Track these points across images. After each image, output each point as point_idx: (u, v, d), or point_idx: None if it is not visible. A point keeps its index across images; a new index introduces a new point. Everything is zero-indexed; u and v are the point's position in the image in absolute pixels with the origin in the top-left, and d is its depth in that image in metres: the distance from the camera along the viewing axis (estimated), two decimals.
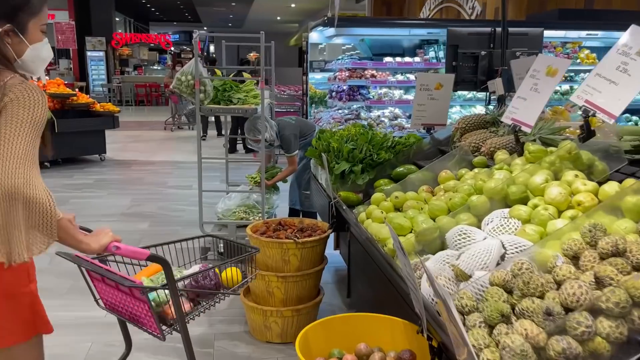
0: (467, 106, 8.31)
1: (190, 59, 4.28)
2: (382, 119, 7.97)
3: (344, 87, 8.15)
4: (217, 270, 2.23)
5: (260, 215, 4.47)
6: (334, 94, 8.54)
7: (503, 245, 1.83)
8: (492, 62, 3.56)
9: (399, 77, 8.22)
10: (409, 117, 8.24)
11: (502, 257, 1.83)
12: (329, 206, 3.44)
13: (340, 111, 8.32)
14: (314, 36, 8.80)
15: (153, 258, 1.80)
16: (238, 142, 10.39)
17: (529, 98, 2.52)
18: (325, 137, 3.51)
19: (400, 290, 1.99)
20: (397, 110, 8.16)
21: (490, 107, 3.62)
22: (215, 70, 6.17)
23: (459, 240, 1.95)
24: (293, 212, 5.03)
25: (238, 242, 2.47)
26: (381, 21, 8.58)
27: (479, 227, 2.18)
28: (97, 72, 21.12)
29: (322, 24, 7.96)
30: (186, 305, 2.09)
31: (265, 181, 4.42)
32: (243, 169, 6.77)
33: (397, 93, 8.22)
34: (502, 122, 3.27)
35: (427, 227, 2.18)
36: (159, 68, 24.02)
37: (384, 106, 8.18)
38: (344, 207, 3.07)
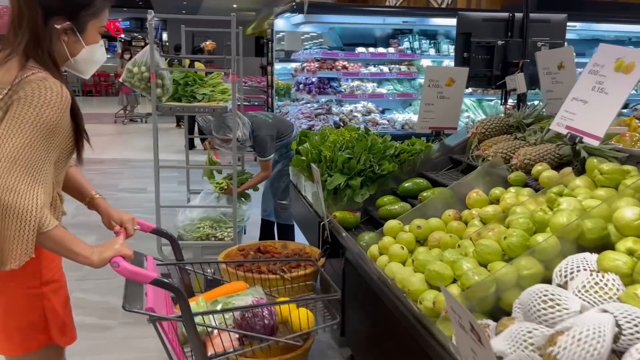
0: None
1: (143, 47, 3.55)
2: (355, 114, 7.38)
3: (314, 79, 7.51)
4: (277, 308, 1.71)
5: (230, 230, 3.80)
6: (301, 86, 7.89)
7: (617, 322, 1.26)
8: (507, 54, 3.02)
9: (372, 69, 7.64)
10: (383, 112, 7.70)
11: (615, 339, 1.26)
12: (319, 227, 2.82)
13: (309, 105, 7.68)
14: (280, 23, 8.11)
15: (159, 283, 1.49)
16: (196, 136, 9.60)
17: (592, 101, 1.97)
18: (314, 144, 2.88)
19: None
20: (370, 105, 7.59)
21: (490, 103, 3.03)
22: (186, 60, 5.43)
23: (544, 309, 1.36)
24: (266, 225, 4.38)
25: None
26: (355, 8, 7.96)
27: (548, 278, 1.62)
28: None
29: (289, 10, 7.28)
30: (228, 342, 1.71)
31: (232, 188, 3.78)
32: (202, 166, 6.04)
33: (370, 86, 7.64)
34: (528, 126, 2.72)
35: (481, 281, 1.59)
36: (108, 56, 22.63)
37: (356, 100, 7.59)
38: (344, 234, 2.45)
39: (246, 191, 4.12)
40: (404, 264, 2.01)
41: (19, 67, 1.47)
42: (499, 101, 7.85)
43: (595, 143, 1.93)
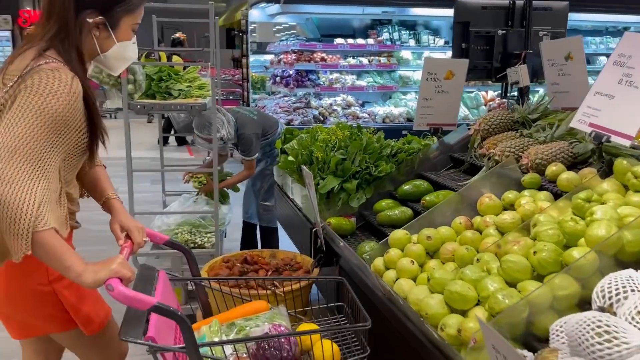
0: None
1: None
2: (335, 107, 7.16)
3: (291, 72, 7.26)
4: (298, 339, 1.50)
5: (210, 235, 3.55)
6: (278, 79, 7.62)
7: None
8: (507, 44, 2.82)
9: (351, 60, 7.43)
10: (363, 105, 7.50)
11: None
12: (310, 234, 2.59)
13: (286, 99, 7.43)
14: (255, 14, 7.82)
15: (160, 311, 1.29)
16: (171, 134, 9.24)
17: (620, 96, 1.78)
18: (304, 144, 2.64)
19: None
20: (350, 98, 7.39)
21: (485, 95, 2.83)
22: (161, 54, 5.08)
23: (599, 344, 1.16)
24: (248, 227, 4.13)
25: None
26: None
27: (585, 298, 1.43)
28: (2, 53, 18.98)
29: (265, 0, 7.00)
30: None
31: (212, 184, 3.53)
32: (179, 167, 5.75)
33: (350, 79, 7.43)
34: (534, 122, 2.54)
35: (512, 306, 1.39)
36: None
37: (336, 93, 7.37)
38: (341, 244, 2.23)
39: (225, 191, 3.86)
40: (414, 279, 1.80)
41: (33, 56, 1.42)
42: (479, 93, 7.74)
43: (626, 143, 1.74)
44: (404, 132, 7.27)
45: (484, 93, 7.72)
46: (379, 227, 2.42)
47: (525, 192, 2.04)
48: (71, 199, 1.60)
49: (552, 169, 2.11)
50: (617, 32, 8.27)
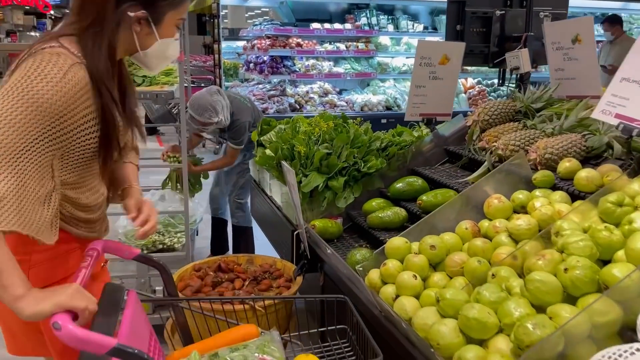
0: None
1: None
2: (311, 95, 6.88)
3: (265, 58, 6.93)
4: None
5: (180, 235, 3.24)
6: (251, 65, 7.28)
7: None
8: (505, 26, 2.58)
9: (328, 46, 7.13)
10: (340, 92, 7.23)
11: None
12: (292, 238, 2.33)
13: (260, 86, 7.11)
14: None
15: (121, 355, 1.04)
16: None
17: None
18: (285, 137, 2.36)
19: None
20: (326, 85, 7.11)
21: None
22: None
23: None
24: (219, 223, 3.82)
25: None
26: None
27: (629, 325, 1.20)
28: None
29: None
30: None
31: (191, 166, 3.25)
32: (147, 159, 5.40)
33: (326, 65, 7.14)
34: (538, 112, 2.31)
35: (547, 338, 1.14)
36: (36, 35, 21.09)
37: (312, 80, 7.07)
38: (328, 251, 1.97)
39: (199, 177, 3.54)
40: (417, 296, 1.55)
41: (46, 40, 1.27)
42: (458, 80, 7.53)
43: None
44: (383, 120, 7.08)
45: (463, 80, 7.52)
46: (369, 230, 2.16)
47: (537, 192, 1.81)
48: (77, 204, 1.36)
49: (565, 165, 1.87)
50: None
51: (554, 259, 1.34)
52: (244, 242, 3.66)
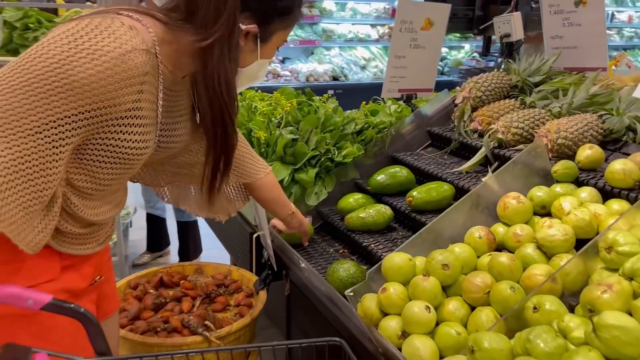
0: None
1: None
2: None
3: None
4: None
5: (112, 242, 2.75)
6: None
7: None
8: None
9: None
10: (283, 61, 6.73)
11: None
12: (251, 242, 1.92)
13: None
14: None
15: None
16: None
17: None
18: (240, 121, 1.92)
19: None
20: None
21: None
22: None
23: None
24: (154, 222, 3.31)
25: None
26: None
27: None
28: None
29: None
30: None
31: None
32: None
33: None
34: (536, 86, 1.98)
35: None
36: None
37: None
38: (302, 265, 1.58)
39: None
40: (431, 334, 1.19)
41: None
42: None
43: None
44: (330, 91, 6.68)
45: None
46: (347, 233, 1.79)
47: (558, 189, 1.49)
48: (80, 220, 1.09)
49: (585, 153, 1.56)
50: None
51: (624, 291, 1.01)
52: (192, 240, 3.21)
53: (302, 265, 1.59)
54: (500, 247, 1.41)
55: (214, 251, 3.12)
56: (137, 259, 3.32)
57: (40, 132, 0.91)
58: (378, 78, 6.85)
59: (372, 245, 1.67)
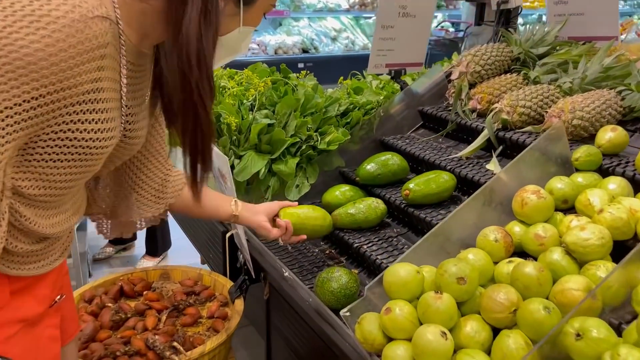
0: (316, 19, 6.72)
1: None
2: None
3: None
4: None
5: None
6: None
7: None
8: None
9: None
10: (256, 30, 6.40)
11: None
12: (223, 241, 1.68)
13: None
14: None
15: None
16: None
17: None
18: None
19: None
20: None
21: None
22: None
23: None
24: None
25: None
26: None
27: None
28: None
29: None
30: None
31: None
32: None
33: None
34: (540, 59, 1.78)
35: None
36: None
37: None
38: (285, 273, 1.36)
39: None
40: None
41: None
42: None
43: None
44: (300, 65, 6.39)
45: None
46: (334, 231, 1.56)
47: (580, 179, 1.29)
48: (32, 235, 0.87)
49: (607, 135, 1.36)
50: None
51: None
52: (160, 232, 2.94)
53: (286, 274, 1.36)
54: (517, 251, 1.21)
55: (184, 241, 2.86)
56: (98, 253, 3.05)
57: None
58: (350, 50, 6.60)
59: (365, 247, 1.45)
